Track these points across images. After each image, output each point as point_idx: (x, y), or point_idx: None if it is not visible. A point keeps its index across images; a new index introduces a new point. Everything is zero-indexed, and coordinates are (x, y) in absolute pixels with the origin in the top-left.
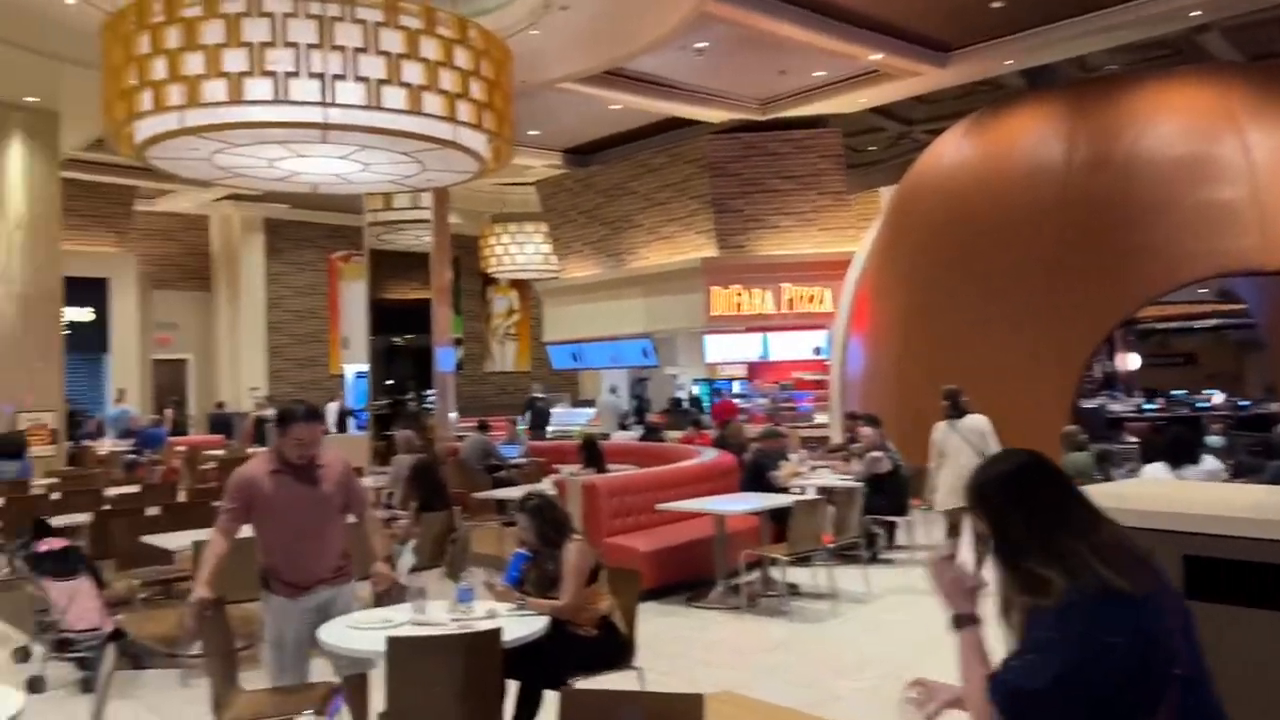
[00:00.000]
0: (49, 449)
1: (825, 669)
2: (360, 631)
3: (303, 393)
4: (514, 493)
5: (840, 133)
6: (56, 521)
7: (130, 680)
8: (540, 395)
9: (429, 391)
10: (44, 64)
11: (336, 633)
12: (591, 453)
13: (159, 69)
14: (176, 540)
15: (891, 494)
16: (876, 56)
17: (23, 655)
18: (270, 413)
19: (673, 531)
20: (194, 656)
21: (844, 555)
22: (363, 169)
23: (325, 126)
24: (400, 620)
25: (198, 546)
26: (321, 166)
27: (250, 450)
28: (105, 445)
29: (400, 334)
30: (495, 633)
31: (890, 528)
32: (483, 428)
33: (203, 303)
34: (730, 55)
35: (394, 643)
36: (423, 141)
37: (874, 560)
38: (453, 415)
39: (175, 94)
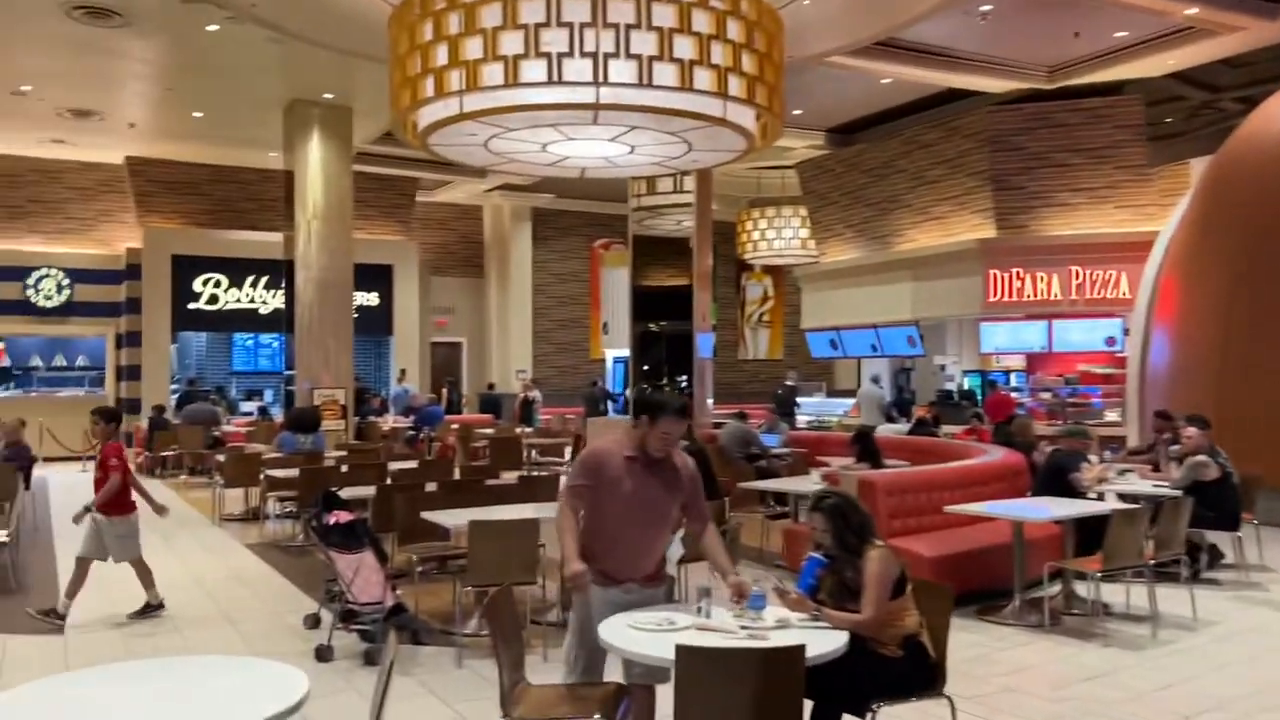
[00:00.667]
0: (339, 423)
1: (1160, 710)
2: (643, 633)
3: (563, 377)
4: (782, 485)
5: (1142, 100)
6: (344, 494)
7: (408, 656)
8: (789, 383)
9: (683, 377)
10: (340, 61)
11: (618, 632)
12: (866, 446)
13: (440, 55)
14: (453, 518)
15: (1219, 505)
16: (1192, 11)
17: (313, 621)
18: (535, 394)
19: (959, 536)
20: (468, 635)
21: (1161, 573)
22: (630, 151)
23: (597, 107)
24: (683, 623)
25: (474, 526)
26: (590, 150)
27: (518, 430)
28: (388, 421)
29: (656, 320)
30: (799, 650)
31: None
32: (741, 416)
33: (475, 288)
34: (1017, 18)
35: (685, 653)
36: (692, 119)
37: (1196, 579)
38: (708, 402)
39: (455, 79)
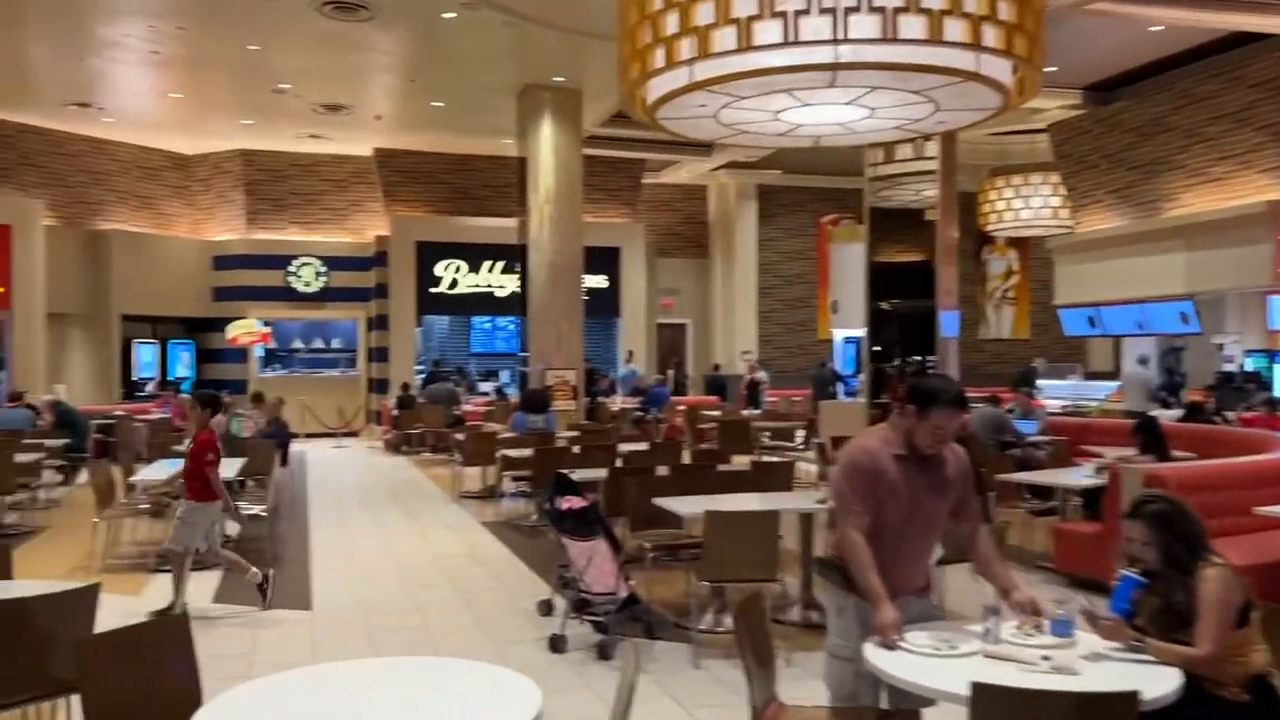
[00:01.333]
0: (570, 404)
1: None
2: (921, 658)
3: (789, 358)
4: (1047, 477)
5: None
6: (576, 476)
7: (641, 651)
8: (1033, 365)
9: (918, 358)
10: (570, 43)
11: (889, 655)
12: (1152, 435)
13: (670, 24)
14: (686, 505)
15: None
16: None
17: (546, 608)
18: (762, 376)
19: (1274, 543)
20: (704, 632)
21: None
22: (869, 115)
23: (835, 67)
24: (965, 647)
25: (711, 518)
26: (826, 116)
27: (745, 412)
28: (616, 402)
29: (891, 298)
30: (1130, 698)
31: None
32: (994, 400)
33: (700, 269)
34: None
35: (984, 692)
36: (940, 75)
37: None
38: None
39: (685, 48)
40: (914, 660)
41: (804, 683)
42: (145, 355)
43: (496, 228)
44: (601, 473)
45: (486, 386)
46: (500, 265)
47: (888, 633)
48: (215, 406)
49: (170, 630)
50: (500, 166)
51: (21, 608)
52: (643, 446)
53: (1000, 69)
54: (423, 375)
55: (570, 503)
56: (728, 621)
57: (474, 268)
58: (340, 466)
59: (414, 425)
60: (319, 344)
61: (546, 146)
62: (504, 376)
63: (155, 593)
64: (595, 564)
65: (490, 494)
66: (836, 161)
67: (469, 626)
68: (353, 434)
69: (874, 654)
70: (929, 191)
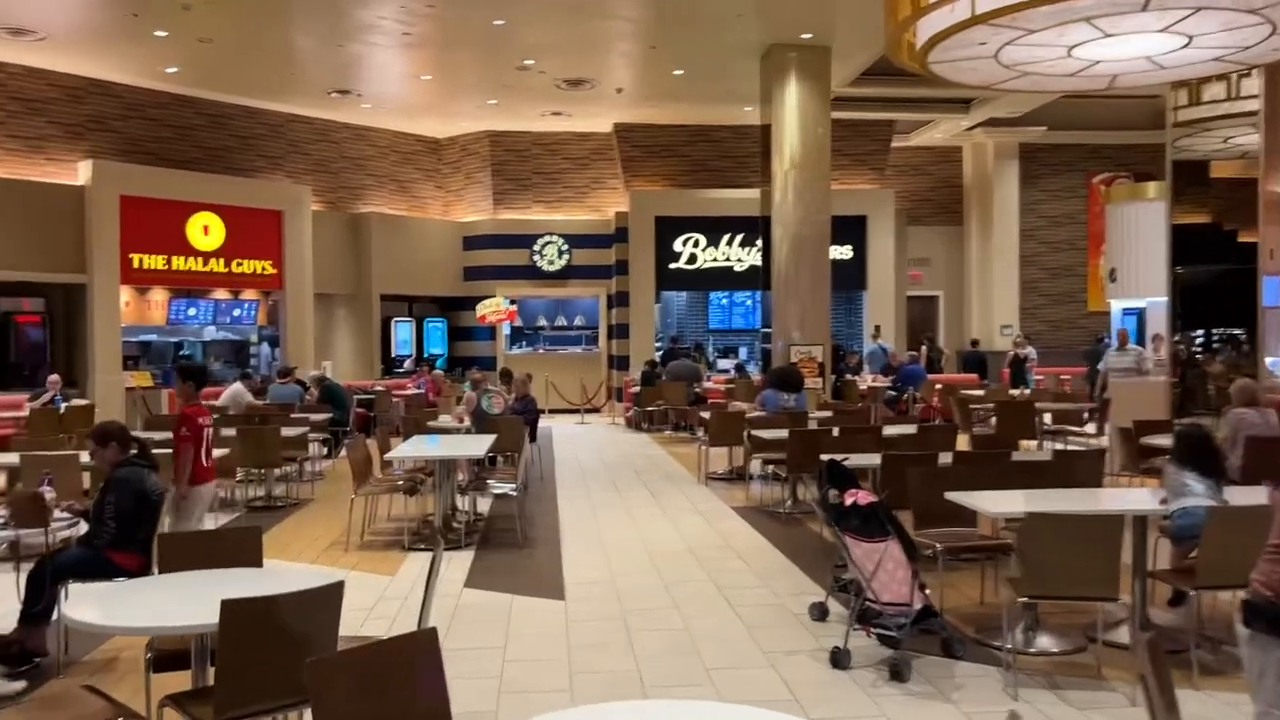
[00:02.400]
0: (816, 382)
1: None
2: None
3: (1055, 332)
4: None
5: None
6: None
7: (940, 674)
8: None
9: (1229, 331)
10: None
11: None
12: None
13: None
14: (994, 502)
15: None
16: None
17: (819, 612)
18: (1029, 352)
19: None
20: (1013, 652)
21: None
22: (1184, 44)
23: None
24: None
25: (1033, 520)
26: (1130, 48)
27: (1013, 392)
28: (866, 380)
29: (1189, 263)
30: None
31: None
32: None
33: (953, 237)
34: None
35: None
36: None
37: None
38: (1270, 361)
39: None
40: None
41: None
42: (402, 333)
43: (736, 199)
44: (870, 459)
45: (725, 363)
46: (739, 238)
47: None
48: (199, 380)
49: (418, 644)
50: (740, 136)
51: (267, 608)
52: (908, 429)
53: None
54: (661, 352)
55: (855, 496)
56: (1042, 642)
57: (713, 242)
58: (583, 443)
59: (655, 402)
60: (561, 321)
61: (792, 110)
62: (742, 353)
63: (410, 572)
64: (885, 569)
65: (738, 476)
66: (1112, 114)
67: (735, 630)
68: (594, 410)
69: None
70: (1243, 138)
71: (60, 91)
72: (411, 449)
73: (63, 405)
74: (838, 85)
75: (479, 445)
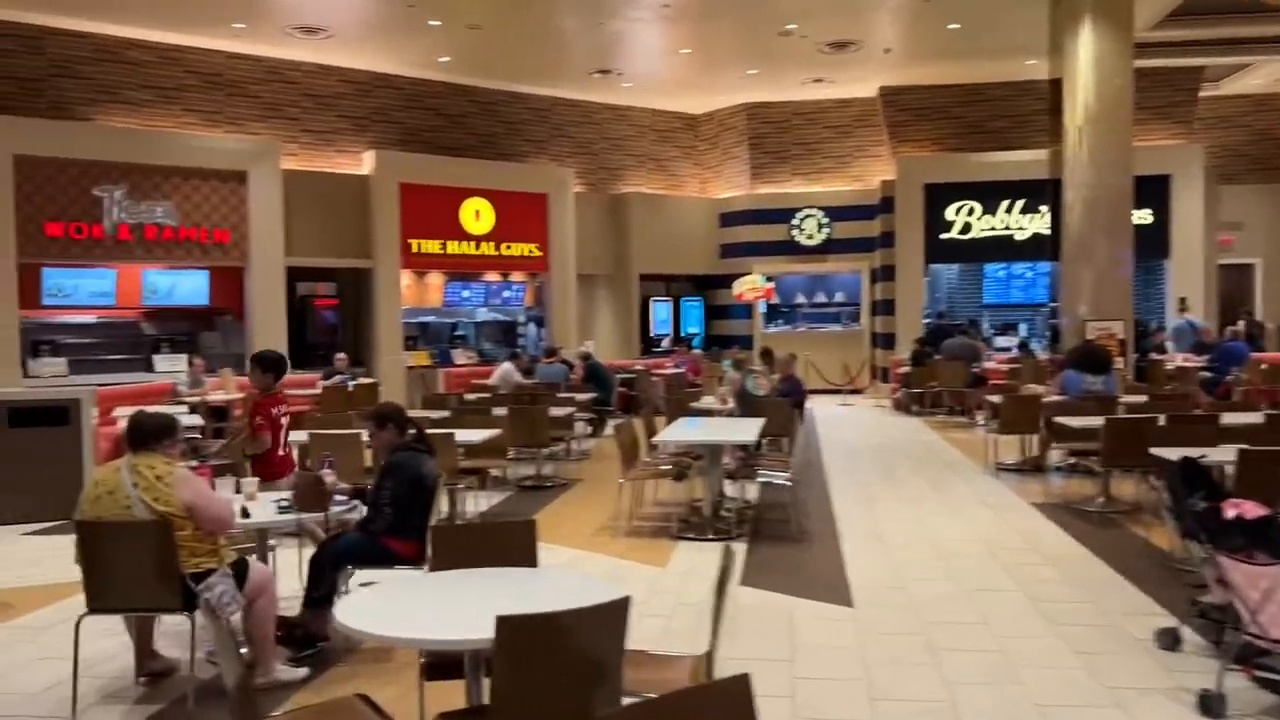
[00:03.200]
0: (1118, 362)
1: None
2: None
3: None
4: None
5: None
6: (1190, 455)
7: None
8: None
9: None
10: None
11: None
12: None
13: None
14: None
15: None
16: None
17: (1170, 640)
18: None
19: None
20: None
21: None
22: None
23: None
24: None
25: None
26: None
27: None
28: (1176, 359)
29: None
30: None
31: None
32: None
33: (1273, 196)
34: None
35: None
36: None
37: None
38: None
39: None
40: None
41: None
42: (660, 312)
43: (1016, 162)
44: (1221, 455)
45: (1003, 341)
46: (1020, 204)
47: None
48: (279, 370)
49: (730, 696)
50: (1020, 93)
51: (546, 626)
52: (1252, 418)
53: None
54: (928, 328)
55: (1239, 508)
56: None
57: (989, 209)
58: (850, 426)
59: (928, 384)
60: (821, 298)
61: (1086, 59)
62: (1022, 330)
63: (680, 564)
64: (1275, 600)
65: (1034, 468)
66: None
67: (1062, 656)
68: (857, 391)
69: None
70: None
71: (348, 86)
72: (679, 432)
73: (351, 384)
74: (1140, 30)
75: (749, 430)
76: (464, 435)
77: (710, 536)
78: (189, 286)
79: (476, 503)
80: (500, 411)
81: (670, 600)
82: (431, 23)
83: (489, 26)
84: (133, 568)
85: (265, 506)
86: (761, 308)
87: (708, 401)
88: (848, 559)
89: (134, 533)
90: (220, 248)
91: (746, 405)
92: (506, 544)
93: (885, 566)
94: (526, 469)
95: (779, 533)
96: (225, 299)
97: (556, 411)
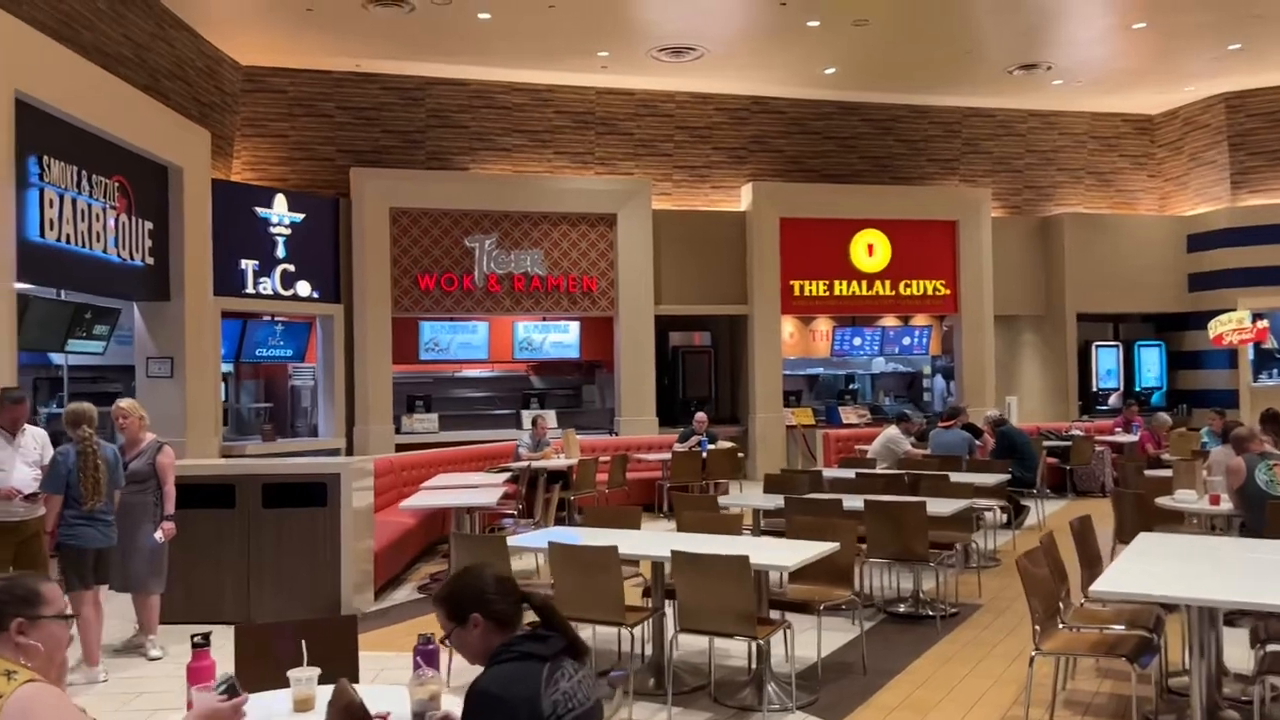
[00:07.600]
0: None
1: None
2: None
3: None
4: None
5: None
6: None
7: None
8: None
9: None
10: None
11: None
12: None
13: None
14: None
15: None
16: None
17: None
18: None
19: None
20: None
21: None
22: None
23: None
24: None
25: None
26: None
27: None
28: None
29: None
30: None
31: None
32: None
33: None
34: None
35: None
36: None
37: None
38: None
39: None
40: None
41: None
42: (1106, 361)
43: None
44: None
45: None
46: None
47: None
48: None
49: None
50: None
51: None
52: None
53: None
54: None
55: None
56: None
57: None
58: None
59: None
60: None
61: None
62: None
63: None
64: None
65: None
66: None
67: None
68: None
69: None
70: None
71: (724, 115)
72: (1138, 559)
73: (708, 447)
74: None
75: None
76: (774, 554)
77: None
78: (560, 338)
79: (797, 644)
80: (854, 503)
81: None
82: (810, 24)
83: (878, 20)
84: None
85: None
86: (1249, 354)
87: (1183, 497)
88: None
89: None
90: (589, 296)
91: (1255, 511)
92: None
93: None
94: (901, 579)
95: None
96: (596, 351)
97: (940, 508)
